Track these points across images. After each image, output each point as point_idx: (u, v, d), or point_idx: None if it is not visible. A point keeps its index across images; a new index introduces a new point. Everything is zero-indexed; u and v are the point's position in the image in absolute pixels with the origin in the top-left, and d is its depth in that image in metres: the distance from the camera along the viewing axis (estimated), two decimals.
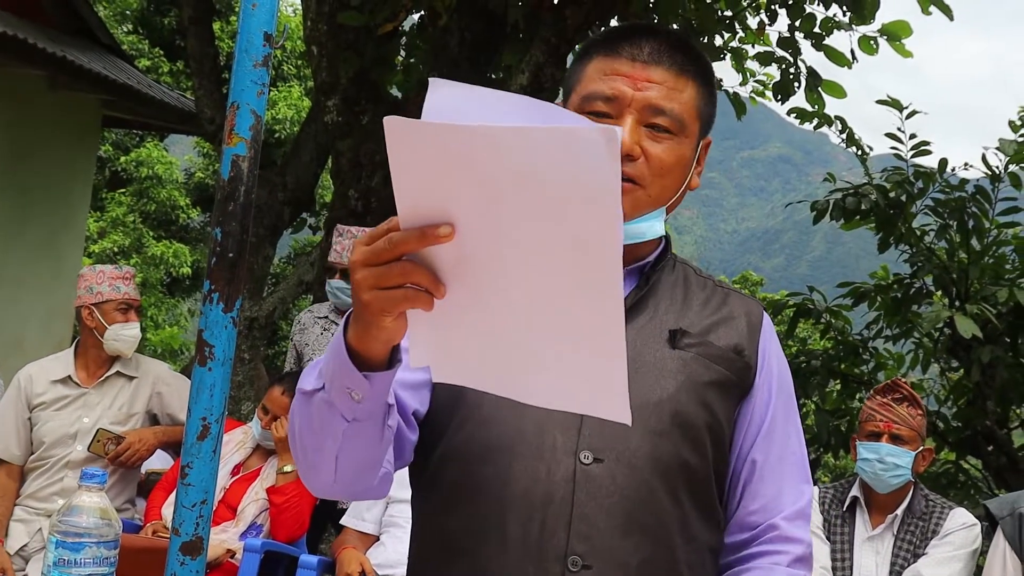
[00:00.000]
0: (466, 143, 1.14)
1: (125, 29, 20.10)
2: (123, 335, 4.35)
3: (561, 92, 1.85)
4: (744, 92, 8.85)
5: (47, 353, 4.83)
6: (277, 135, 19.43)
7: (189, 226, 22.17)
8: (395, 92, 8.24)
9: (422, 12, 7.44)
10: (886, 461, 3.87)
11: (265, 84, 2.01)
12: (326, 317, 5.19)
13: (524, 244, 1.19)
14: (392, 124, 1.15)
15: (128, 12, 20.61)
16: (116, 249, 19.86)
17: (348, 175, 7.26)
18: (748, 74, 8.93)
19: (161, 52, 19.91)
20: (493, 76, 7.88)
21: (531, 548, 1.57)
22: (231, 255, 1.95)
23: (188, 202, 21.60)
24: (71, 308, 10.28)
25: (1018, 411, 6.82)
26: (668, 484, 1.61)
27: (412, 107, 7.23)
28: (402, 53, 8.33)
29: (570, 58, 7.07)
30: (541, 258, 1.19)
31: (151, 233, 20.74)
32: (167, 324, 22.08)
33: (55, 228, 9.92)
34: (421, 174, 1.17)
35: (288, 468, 4.33)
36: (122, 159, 20.40)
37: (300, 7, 8.05)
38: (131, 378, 4.44)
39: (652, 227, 1.71)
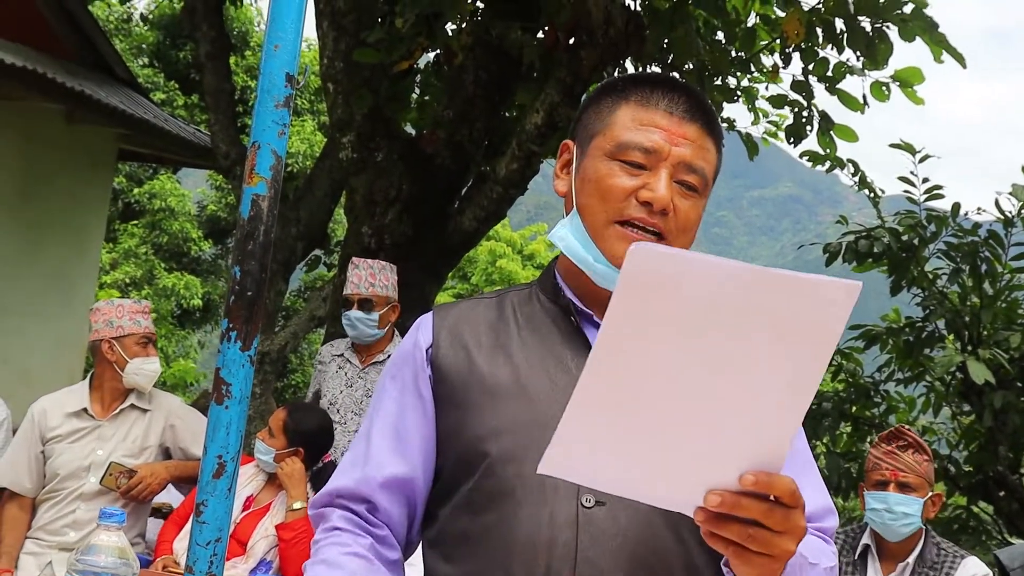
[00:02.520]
0: (713, 277, 1.19)
1: (141, 63, 20.31)
2: (144, 369, 4.38)
3: (576, 130, 1.84)
4: (756, 132, 8.90)
5: (56, 385, 4.84)
6: (290, 169, 19.55)
7: (200, 258, 22.28)
8: (409, 129, 8.30)
9: (438, 51, 7.50)
10: (894, 510, 3.84)
11: (286, 124, 2.03)
12: (342, 355, 5.23)
13: (723, 373, 1.24)
14: (638, 248, 1.18)
15: (144, 46, 20.83)
16: (128, 280, 19.96)
17: (362, 212, 7.30)
18: (760, 114, 8.97)
19: (176, 86, 20.10)
20: (507, 115, 7.93)
21: None
22: (249, 293, 1.95)
23: (200, 234, 21.71)
24: (82, 340, 10.38)
25: None
26: (670, 524, 1.61)
27: (426, 144, 7.27)
28: (416, 91, 8.38)
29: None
30: (736, 386, 1.24)
31: (163, 265, 20.84)
32: (178, 356, 22.14)
33: (68, 259, 9.97)
34: (644, 299, 1.21)
35: (297, 505, 4.32)
36: (135, 191, 20.55)
37: (316, 44, 8.13)
38: (145, 411, 4.45)
39: None
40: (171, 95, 19.69)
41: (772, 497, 1.30)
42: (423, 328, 1.82)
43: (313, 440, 4.49)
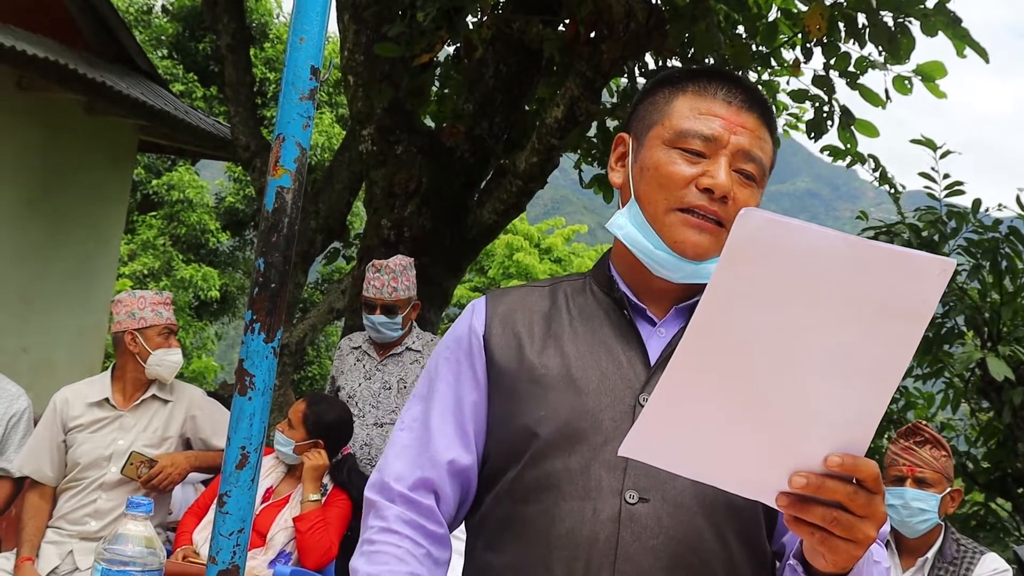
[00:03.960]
0: (819, 245, 1.20)
1: (160, 54, 20.39)
2: (167, 360, 4.41)
3: (631, 122, 1.85)
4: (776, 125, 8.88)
5: (78, 375, 4.87)
6: (308, 161, 19.59)
7: (218, 250, 22.35)
8: (429, 122, 8.30)
9: (457, 44, 7.51)
10: (911, 506, 3.83)
11: (311, 117, 2.04)
12: (359, 347, 5.24)
13: (815, 348, 1.24)
14: (748, 213, 1.20)
15: (163, 37, 20.91)
16: (146, 272, 20.06)
17: (382, 204, 7.31)
18: (781, 107, 8.95)
19: (195, 77, 20.17)
20: (527, 108, 7.93)
21: None
22: (273, 285, 1.96)
23: (218, 226, 21.79)
24: (103, 331, 10.43)
25: None
26: (714, 524, 1.60)
27: (446, 137, 7.28)
28: (436, 84, 8.38)
29: (604, 93, 7.12)
30: (827, 362, 1.24)
31: (180, 256, 20.93)
32: (195, 347, 22.23)
33: (88, 252, 10.02)
34: (749, 266, 1.21)
35: (313, 497, 4.35)
36: (154, 182, 20.62)
37: (337, 37, 8.14)
38: (166, 402, 4.48)
39: None
40: (190, 87, 19.76)
41: (855, 480, 1.30)
42: (477, 313, 1.82)
43: (333, 432, 4.51)
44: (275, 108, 20.12)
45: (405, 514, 1.73)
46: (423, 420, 1.80)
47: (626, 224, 1.75)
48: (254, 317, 1.97)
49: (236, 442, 1.93)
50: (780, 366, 1.25)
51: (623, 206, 1.79)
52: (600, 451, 1.58)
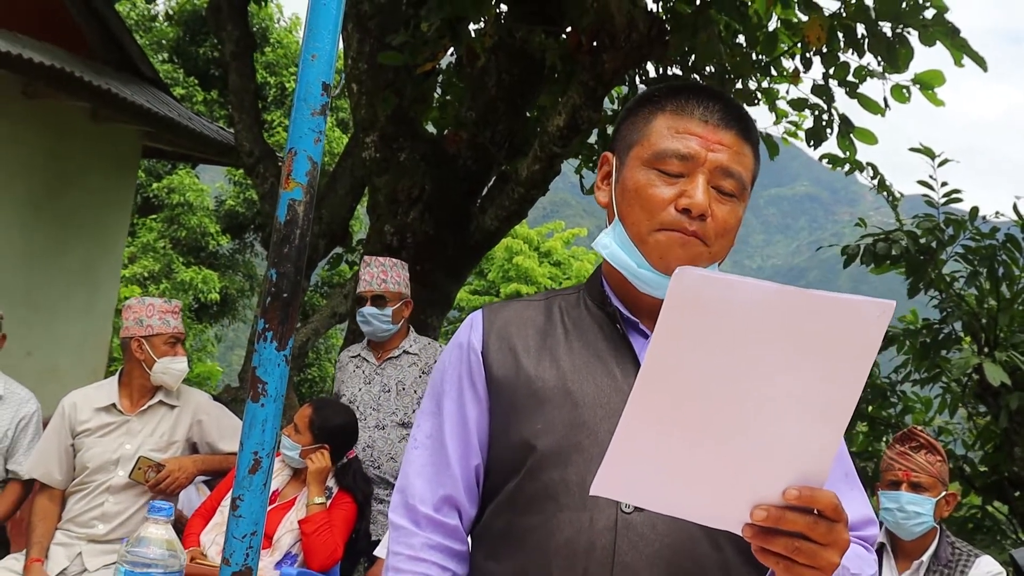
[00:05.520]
0: (753, 298, 1.26)
1: (161, 58, 20.45)
2: (172, 369, 4.46)
3: (615, 141, 1.88)
4: (776, 132, 8.94)
5: (82, 380, 4.93)
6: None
7: (218, 253, 22.39)
8: (431, 129, 8.36)
9: (460, 53, 7.57)
10: (906, 510, 3.90)
11: (322, 132, 2.09)
12: (358, 355, 5.32)
13: (765, 390, 1.30)
14: (683, 272, 1.26)
15: (164, 42, 20.97)
16: (146, 274, 20.11)
17: (384, 211, 7.37)
18: (781, 115, 9.01)
19: (195, 81, 20.22)
20: (529, 115, 7.98)
21: None
22: (285, 295, 2.00)
23: (218, 229, 21.83)
24: (106, 336, 10.46)
25: None
26: (708, 530, 1.63)
27: (449, 145, 7.33)
28: (438, 91, 8.44)
29: (606, 101, 7.17)
30: (778, 403, 1.30)
31: (181, 259, 20.97)
32: (194, 349, 22.27)
33: (92, 257, 10.08)
34: (688, 322, 1.27)
35: (318, 500, 4.40)
36: (154, 185, 20.68)
37: (341, 45, 8.19)
38: (172, 407, 4.54)
39: None
40: (191, 90, 19.83)
41: (816, 511, 1.36)
42: (475, 329, 1.87)
43: (338, 436, 4.56)
44: (275, 112, 20.06)
45: (431, 539, 1.79)
46: (437, 437, 1.84)
47: (611, 243, 1.79)
48: (267, 326, 2.00)
49: (249, 447, 1.96)
50: (732, 408, 1.31)
51: (609, 224, 1.83)
52: (596, 462, 1.59)
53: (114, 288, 10.72)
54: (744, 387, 1.30)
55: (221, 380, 21.88)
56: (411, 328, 5.35)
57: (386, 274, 5.14)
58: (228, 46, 8.47)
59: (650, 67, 7.68)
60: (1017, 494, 6.50)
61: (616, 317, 1.81)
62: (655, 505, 1.43)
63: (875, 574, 1.75)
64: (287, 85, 20.16)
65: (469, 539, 1.85)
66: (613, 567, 1.63)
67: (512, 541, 1.72)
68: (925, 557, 3.94)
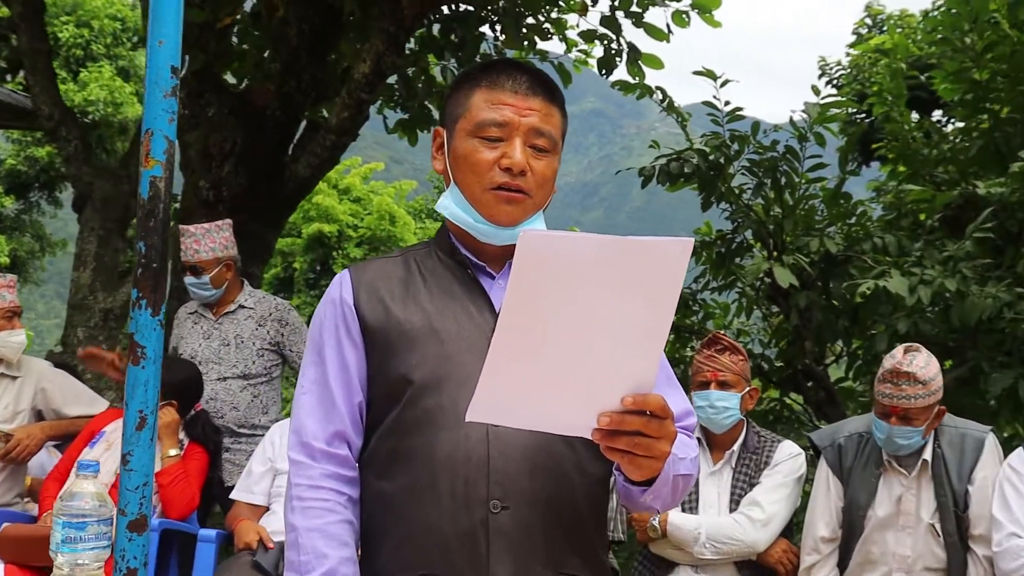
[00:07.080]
0: (581, 249, 1.58)
1: None
2: (10, 342, 4.52)
3: (443, 117, 2.20)
4: (567, 61, 9.24)
5: None
6: (92, 117, 19.01)
7: (3, 214, 21.47)
8: (230, 78, 8.34)
9: (259, 7, 7.59)
10: (716, 405, 4.28)
11: (174, 112, 2.26)
12: (196, 312, 5.40)
13: (601, 322, 1.63)
14: (527, 234, 1.58)
15: None
16: None
17: (198, 166, 7.40)
18: (571, 44, 9.32)
19: None
20: (333, 60, 8.06)
21: (459, 499, 1.94)
22: (155, 265, 2.15)
23: (1, 190, 20.92)
24: None
25: (832, 348, 7.36)
26: (563, 436, 1.95)
27: (258, 98, 7.38)
28: (235, 40, 8.41)
29: (408, 45, 7.32)
30: (611, 332, 1.63)
31: None
32: None
33: None
34: (534, 273, 1.59)
35: (172, 452, 4.56)
36: None
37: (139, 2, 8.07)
38: (15, 378, 4.60)
39: (535, 226, 2.10)
40: None
41: (648, 412, 1.71)
42: (344, 286, 2.15)
43: (184, 391, 4.71)
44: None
45: (327, 469, 2.06)
46: (322, 381, 2.11)
47: (450, 204, 2.13)
48: (140, 295, 2.14)
49: (133, 407, 2.08)
50: (575, 339, 1.65)
51: (447, 188, 2.16)
52: (464, 387, 1.90)
53: None
54: (583, 321, 1.64)
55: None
56: (245, 282, 5.45)
57: (199, 243, 5.17)
58: (16, 7, 8.21)
59: (445, 10, 7.83)
60: (810, 384, 6.96)
61: (466, 264, 2.14)
62: (520, 424, 1.77)
63: (697, 455, 2.13)
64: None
65: (357, 465, 2.12)
66: (489, 471, 1.95)
67: (400, 461, 2.01)
68: (735, 447, 4.36)
